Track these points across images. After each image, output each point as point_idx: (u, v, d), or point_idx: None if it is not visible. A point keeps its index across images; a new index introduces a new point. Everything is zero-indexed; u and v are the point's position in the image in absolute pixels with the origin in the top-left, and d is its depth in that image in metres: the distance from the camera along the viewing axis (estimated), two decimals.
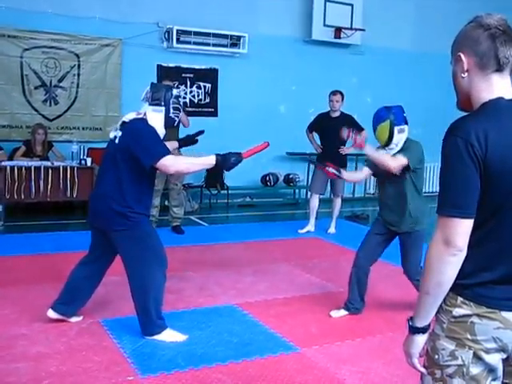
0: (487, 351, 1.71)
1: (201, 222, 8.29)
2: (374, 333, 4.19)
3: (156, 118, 3.80)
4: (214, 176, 9.28)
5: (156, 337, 3.88)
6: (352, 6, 10.10)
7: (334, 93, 7.37)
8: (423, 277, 1.72)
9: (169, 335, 3.91)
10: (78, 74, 8.64)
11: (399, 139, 4.17)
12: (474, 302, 1.71)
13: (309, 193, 9.15)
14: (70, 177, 7.57)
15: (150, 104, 3.82)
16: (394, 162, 4.08)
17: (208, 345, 3.87)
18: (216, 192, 9.39)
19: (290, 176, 10.00)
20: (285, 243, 6.97)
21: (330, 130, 7.33)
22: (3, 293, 4.69)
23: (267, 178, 9.79)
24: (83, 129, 8.72)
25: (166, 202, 7.57)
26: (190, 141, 4.45)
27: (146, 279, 3.80)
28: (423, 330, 1.78)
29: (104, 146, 4.42)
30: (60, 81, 8.49)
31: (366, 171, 4.52)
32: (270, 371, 3.52)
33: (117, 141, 3.75)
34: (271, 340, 4.00)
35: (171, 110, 3.83)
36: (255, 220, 8.64)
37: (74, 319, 4.11)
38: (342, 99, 7.36)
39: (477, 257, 1.70)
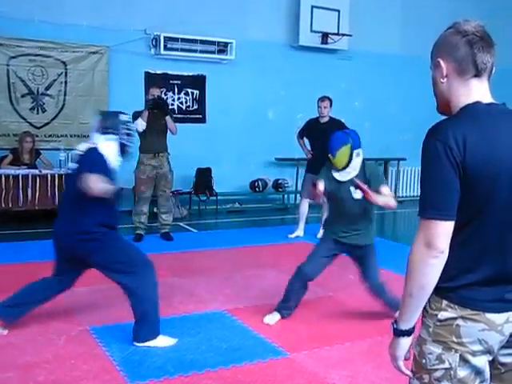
0: (473, 353, 1.72)
1: (190, 228, 8.28)
2: (363, 337, 4.20)
3: (109, 147, 3.81)
4: (202, 182, 9.31)
5: (150, 343, 3.87)
6: (338, 11, 10.15)
7: (321, 99, 7.41)
8: (406, 280, 1.73)
9: (162, 340, 3.92)
10: (66, 82, 8.63)
11: (356, 163, 4.27)
12: (458, 305, 1.72)
13: (298, 198, 9.18)
14: (58, 185, 7.55)
15: (101, 133, 3.83)
16: (393, 200, 4.21)
17: (197, 351, 3.86)
18: (205, 198, 9.39)
19: (279, 181, 10.01)
20: (274, 248, 6.97)
21: (320, 135, 7.36)
22: None
23: (256, 184, 9.80)
24: (71, 136, 8.69)
25: (155, 209, 7.56)
26: None
27: (145, 287, 3.81)
28: (408, 333, 1.78)
29: None
30: (47, 88, 8.48)
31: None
32: (259, 376, 3.52)
33: (71, 171, 3.85)
34: (260, 345, 4.00)
35: (124, 137, 3.85)
36: (244, 226, 8.63)
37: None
38: (331, 105, 7.40)
39: (460, 259, 1.72)
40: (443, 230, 1.66)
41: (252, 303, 4.88)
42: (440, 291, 1.73)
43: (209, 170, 9.41)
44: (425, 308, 1.77)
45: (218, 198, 9.44)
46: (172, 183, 7.36)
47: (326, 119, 7.41)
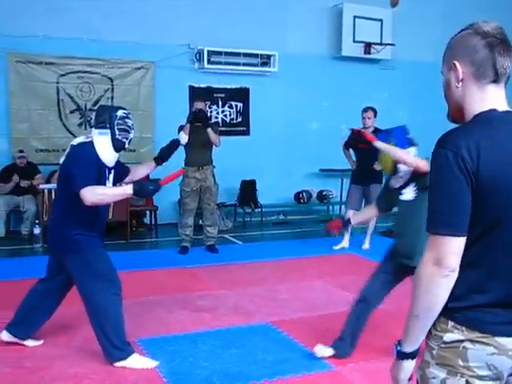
0: (480, 379, 1.60)
1: (235, 240, 8.32)
2: None
3: (102, 142, 3.71)
4: (247, 194, 9.36)
5: (123, 363, 3.74)
6: (381, 21, 10.11)
7: (365, 110, 7.38)
8: (413, 300, 1.62)
9: (136, 361, 3.78)
10: (112, 97, 8.82)
11: (405, 166, 3.62)
12: (465, 327, 1.60)
13: (343, 209, 9.13)
14: None
15: (95, 127, 3.75)
16: (421, 160, 3.52)
17: (243, 363, 3.87)
18: (250, 210, 9.42)
19: (324, 192, 9.97)
20: (319, 260, 6.94)
21: (364, 146, 7.33)
22: None
23: (300, 195, 9.79)
24: None
25: (200, 222, 7.62)
26: (166, 154, 4.30)
27: (99, 305, 3.69)
28: (412, 356, 1.68)
29: None
30: (94, 104, 8.65)
31: (376, 209, 4.06)
32: None
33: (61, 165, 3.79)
34: (306, 358, 3.98)
35: (117, 132, 3.71)
36: (289, 237, 8.61)
37: (29, 342, 4.05)
38: (375, 115, 7.36)
39: (469, 278, 1.59)
40: (454, 247, 1.54)
41: (297, 315, 4.87)
42: (446, 311, 1.61)
43: (253, 182, 9.45)
44: (429, 329, 1.66)
45: (263, 209, 9.47)
46: (217, 196, 7.41)
47: (370, 130, 7.35)
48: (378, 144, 3.81)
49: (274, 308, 5.05)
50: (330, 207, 10.35)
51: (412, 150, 3.69)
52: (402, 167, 3.63)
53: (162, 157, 4.28)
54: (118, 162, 3.91)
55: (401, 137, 3.73)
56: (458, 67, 1.64)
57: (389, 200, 3.90)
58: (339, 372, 3.78)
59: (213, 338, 4.30)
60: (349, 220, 4.16)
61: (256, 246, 7.97)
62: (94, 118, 3.85)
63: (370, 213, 4.27)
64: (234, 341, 4.27)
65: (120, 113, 3.76)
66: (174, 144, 4.40)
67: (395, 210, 3.91)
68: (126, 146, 3.83)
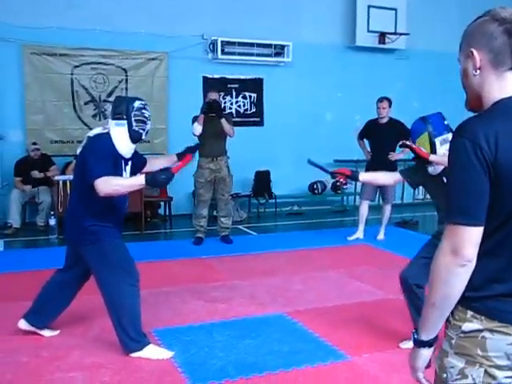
0: (500, 368, 1.58)
1: (249, 231, 8.33)
2: None
3: (119, 133, 3.70)
4: (261, 185, 9.35)
5: (138, 354, 3.75)
6: (395, 10, 10.02)
7: (380, 100, 7.34)
8: (430, 289, 1.61)
9: (151, 352, 3.79)
10: (126, 88, 8.83)
11: (444, 151, 3.64)
12: (485, 316, 1.58)
13: (357, 200, 9.10)
14: None
15: (112, 118, 3.75)
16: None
17: (258, 354, 3.87)
18: (264, 201, 9.42)
19: (338, 183, 9.93)
20: (334, 251, 6.94)
21: (379, 136, 7.32)
22: None
23: (315, 186, 9.76)
24: None
25: (215, 213, 7.63)
26: (189, 152, 4.37)
27: (116, 296, 3.71)
28: (429, 344, 1.68)
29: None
30: (109, 95, 8.68)
31: (396, 176, 4.11)
32: (320, 380, 3.50)
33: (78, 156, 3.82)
34: (321, 348, 3.98)
35: (134, 123, 3.70)
36: (303, 228, 8.62)
37: (46, 333, 4.08)
38: (390, 105, 7.32)
39: (487, 267, 1.58)
40: (471, 237, 1.53)
41: (312, 306, 4.87)
42: (464, 301, 1.60)
43: (267, 172, 9.45)
44: (447, 319, 1.65)
45: (277, 200, 9.46)
46: (231, 187, 7.41)
47: (384, 120, 7.33)
48: (433, 158, 3.76)
49: (288, 298, 5.05)
50: (345, 198, 10.32)
51: (450, 136, 3.65)
52: (439, 154, 3.70)
53: (184, 153, 4.33)
54: (135, 153, 3.91)
55: (438, 123, 3.75)
56: (475, 55, 1.61)
57: (419, 177, 3.97)
58: (355, 362, 3.77)
59: (228, 328, 4.31)
60: (357, 172, 4.14)
61: (270, 237, 7.97)
62: (110, 109, 3.85)
63: (384, 177, 4.33)
64: (249, 331, 4.27)
65: (137, 104, 3.75)
66: (199, 146, 4.65)
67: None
68: (143, 137, 3.82)
